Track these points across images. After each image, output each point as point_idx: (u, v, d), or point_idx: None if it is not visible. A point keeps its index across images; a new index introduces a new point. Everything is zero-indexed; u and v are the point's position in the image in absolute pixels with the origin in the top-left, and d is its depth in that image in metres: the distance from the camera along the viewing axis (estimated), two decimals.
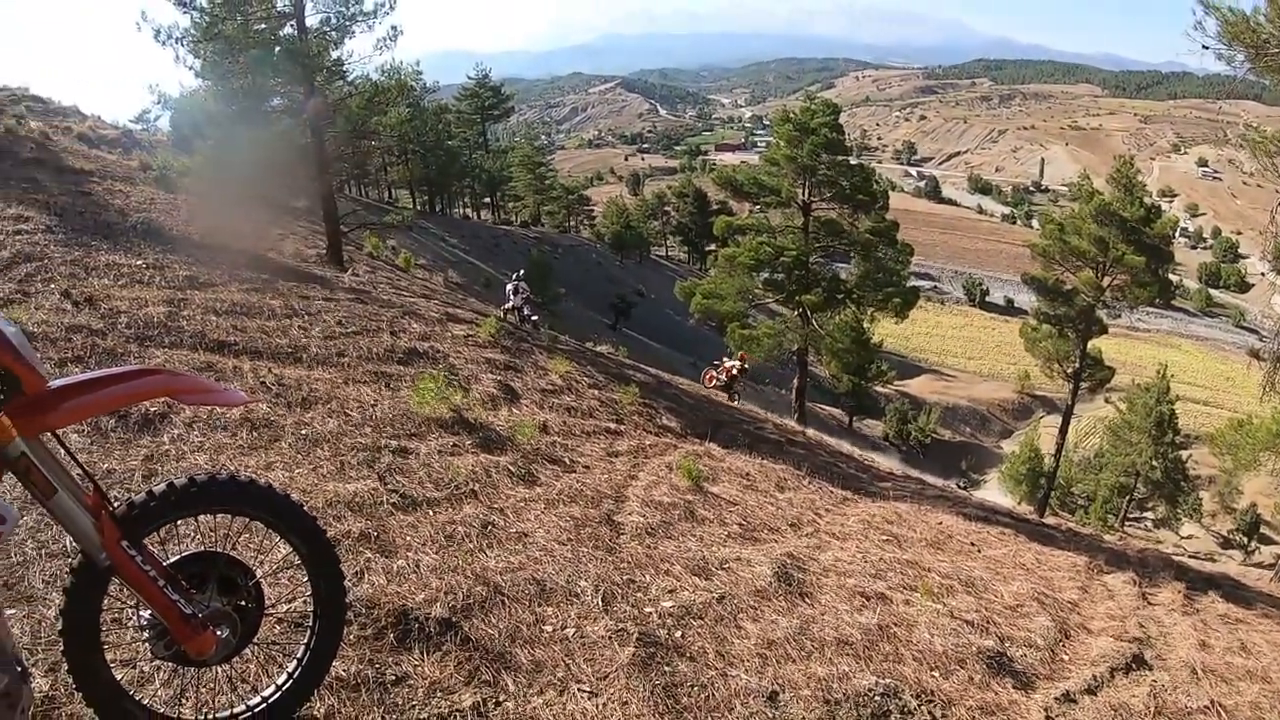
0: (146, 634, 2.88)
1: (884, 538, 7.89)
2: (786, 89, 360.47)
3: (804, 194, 34.37)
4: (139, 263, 9.83)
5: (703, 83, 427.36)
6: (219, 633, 2.89)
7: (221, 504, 2.93)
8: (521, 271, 26.78)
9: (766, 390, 38.78)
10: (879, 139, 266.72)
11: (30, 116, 25.67)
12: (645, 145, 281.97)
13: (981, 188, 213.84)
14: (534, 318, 22.08)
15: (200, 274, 10.00)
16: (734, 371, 27.71)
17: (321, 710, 3.34)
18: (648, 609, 4.71)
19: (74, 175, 17.40)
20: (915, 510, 9.65)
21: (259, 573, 3.12)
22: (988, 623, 5.96)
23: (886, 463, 19.09)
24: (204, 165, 21.83)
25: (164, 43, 21.32)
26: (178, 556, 2.93)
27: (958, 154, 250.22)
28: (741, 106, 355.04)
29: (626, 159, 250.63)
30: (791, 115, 35.13)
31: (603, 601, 4.62)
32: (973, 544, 8.77)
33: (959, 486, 14.07)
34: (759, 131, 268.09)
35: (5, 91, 30.05)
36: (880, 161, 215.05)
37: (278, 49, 21.06)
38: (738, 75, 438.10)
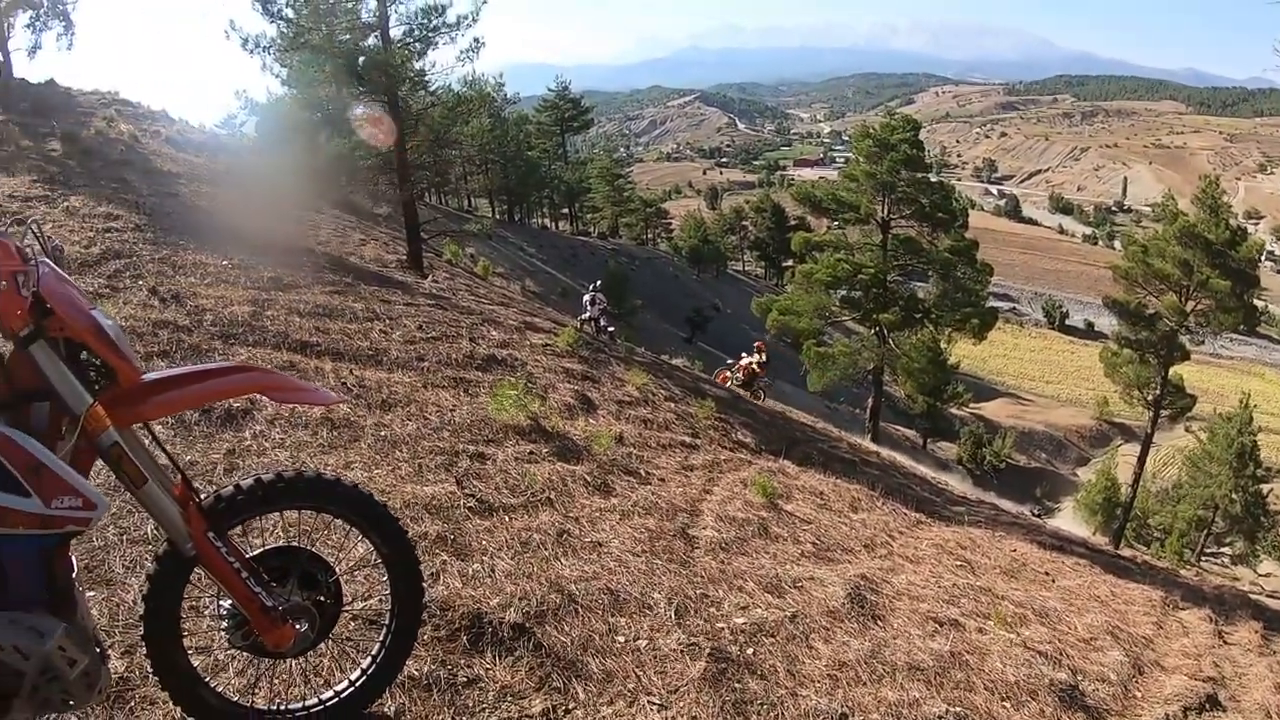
0: (225, 623, 2.93)
1: (957, 563, 7.77)
2: (865, 104, 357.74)
3: (883, 211, 34.20)
4: (224, 262, 10.04)
5: (781, 97, 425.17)
6: (298, 626, 2.92)
7: (306, 500, 2.96)
8: (598, 283, 26.94)
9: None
10: (958, 156, 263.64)
11: (120, 119, 26.36)
12: (723, 159, 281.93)
13: (1062, 207, 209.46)
14: (610, 329, 22.17)
15: (284, 275, 10.17)
16: (753, 368, 25.32)
17: (392, 708, 3.36)
18: (720, 624, 4.66)
19: (162, 176, 17.85)
20: (989, 536, 9.50)
21: (339, 570, 3.15)
22: (1061, 655, 5.83)
23: (960, 486, 18.86)
24: (289, 170, 22.21)
25: (252, 51, 21.85)
26: (260, 550, 2.97)
27: (1038, 172, 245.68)
28: (820, 121, 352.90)
29: (705, 173, 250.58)
30: (871, 131, 35.02)
31: (676, 615, 4.59)
32: (1047, 573, 8.61)
33: (1033, 514, 13.83)
34: (837, 147, 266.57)
35: (96, 95, 30.90)
36: (960, 179, 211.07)
37: (362, 59, 21.42)
38: (817, 90, 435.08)
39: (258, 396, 3.11)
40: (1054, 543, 10.57)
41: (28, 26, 26.76)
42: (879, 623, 5.42)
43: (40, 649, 2.38)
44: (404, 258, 20.47)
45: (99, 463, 2.59)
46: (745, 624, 4.74)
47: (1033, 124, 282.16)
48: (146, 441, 2.72)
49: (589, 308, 23.12)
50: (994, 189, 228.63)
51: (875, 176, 33.67)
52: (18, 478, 2.33)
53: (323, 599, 3.02)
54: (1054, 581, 8.35)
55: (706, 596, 4.97)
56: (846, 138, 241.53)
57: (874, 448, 19.37)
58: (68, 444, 2.47)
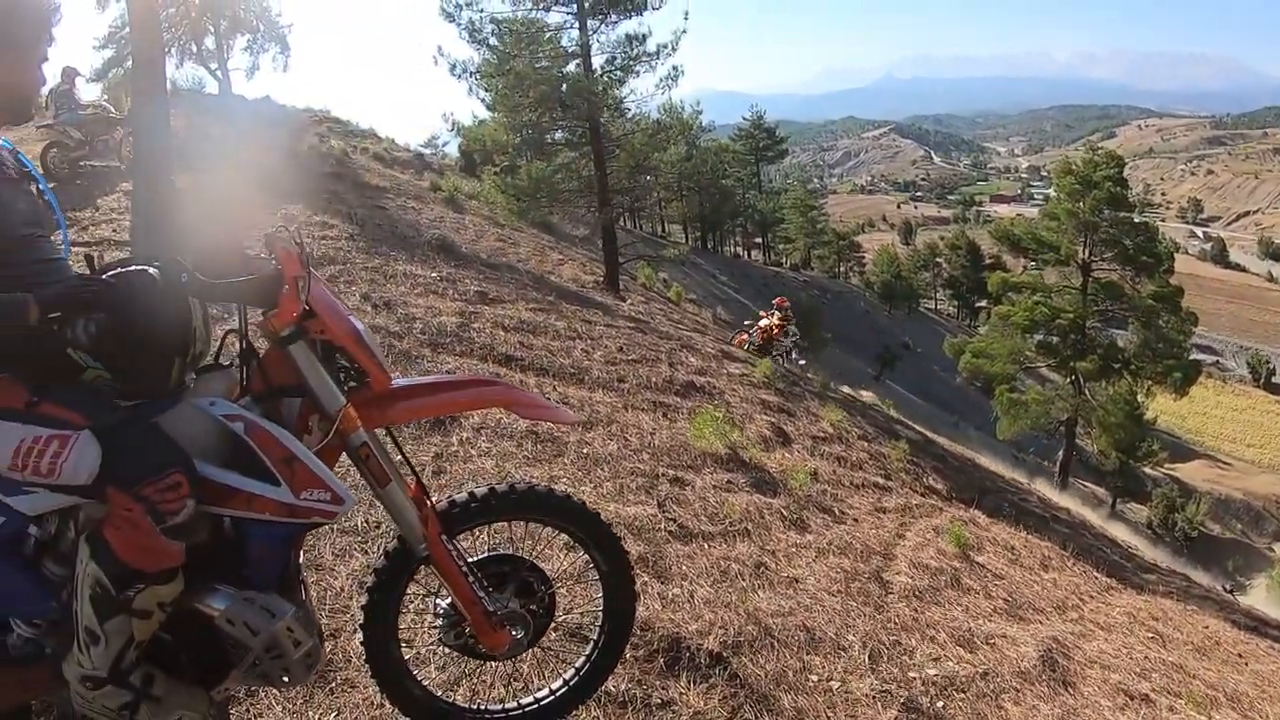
0: (439, 621, 3.03)
1: (1149, 634, 7.36)
2: (1065, 138, 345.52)
3: (1084, 252, 32.79)
4: (433, 274, 10.38)
5: (978, 129, 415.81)
6: (514, 633, 2.99)
7: (536, 513, 3.02)
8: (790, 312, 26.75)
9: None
10: (1162, 194, 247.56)
11: (331, 136, 27.80)
12: (918, 193, 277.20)
13: (1273, 252, 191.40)
14: (801, 361, 21.93)
15: (490, 290, 10.46)
16: (773, 331, 22.56)
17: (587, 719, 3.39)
18: (912, 674, 4.52)
19: (371, 191, 18.67)
20: (1181, 609, 8.98)
21: (555, 582, 3.20)
22: None
23: (1150, 552, 17.90)
24: (492, 190, 22.94)
25: (459, 76, 22.78)
26: (483, 555, 3.06)
27: (1247, 213, 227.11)
28: (1018, 156, 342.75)
29: (899, 206, 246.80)
30: (1073, 167, 33.72)
31: (869, 659, 4.48)
32: (1239, 655, 8.05)
33: (1224, 589, 13.06)
34: (1035, 183, 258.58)
35: (309, 112, 32.77)
36: (1164, 219, 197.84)
37: (564, 86, 21.98)
38: (1014, 122, 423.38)
39: (510, 412, 3.20)
40: (1248, 622, 9.88)
41: (246, 49, 28.51)
42: (1070, 689, 5.17)
43: (269, 628, 2.52)
44: (601, 279, 20.81)
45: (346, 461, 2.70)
46: (937, 676, 4.59)
47: (1241, 160, 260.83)
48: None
49: (781, 339, 23.01)
50: (1199, 231, 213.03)
51: (1077, 215, 32.38)
52: (270, 467, 2.46)
53: (536, 608, 3.08)
54: (1246, 665, 7.81)
55: (899, 644, 4.84)
56: (1046, 173, 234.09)
57: (1064, 503, 18.61)
58: (313, 439, 2.60)
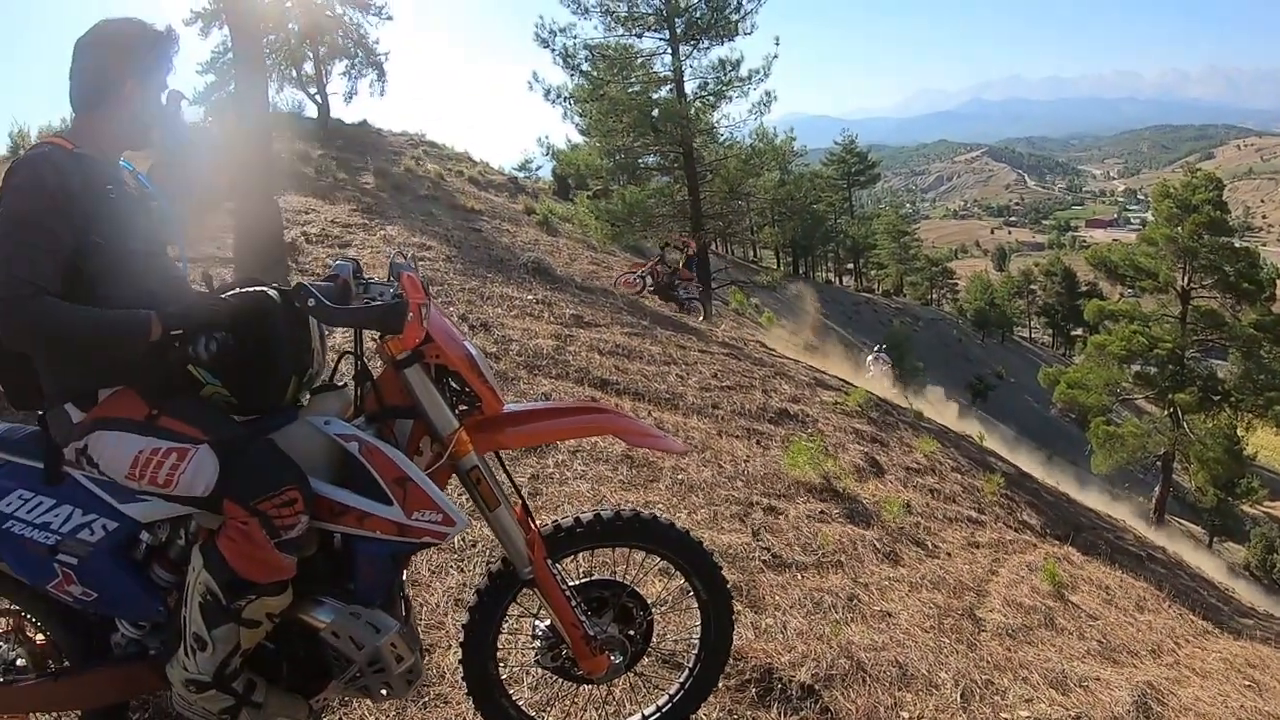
0: (537, 643, 3.06)
1: (1245, 682, 7.10)
2: (1161, 159, 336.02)
3: (1183, 279, 31.71)
4: (529, 297, 10.50)
5: (1072, 152, 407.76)
6: (612, 658, 3.00)
7: (641, 541, 3.04)
8: (884, 346, 26.51)
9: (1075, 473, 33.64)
10: (1264, 218, 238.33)
11: (427, 159, 28.33)
12: (1011, 218, 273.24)
13: None
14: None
15: (585, 314, 10.53)
16: (678, 271, 19.41)
17: None
18: (1004, 715, 4.42)
19: (465, 213, 18.95)
20: (1278, 656, 8.69)
21: (653, 609, 3.21)
22: None
23: (1246, 595, 17.26)
24: (586, 214, 23.13)
25: (554, 101, 23.18)
26: (585, 579, 3.08)
27: None
28: (1114, 179, 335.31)
29: (992, 232, 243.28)
30: (1171, 190, 32.55)
31: (961, 698, 4.39)
32: None
33: None
34: (1132, 206, 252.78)
35: (405, 136, 33.44)
36: (1265, 244, 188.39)
37: (656, 111, 22.10)
38: (1109, 144, 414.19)
39: (619, 440, 3.22)
40: None
41: (344, 74, 29.10)
42: None
43: (374, 643, 2.59)
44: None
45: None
46: (1029, 718, 4.48)
47: None
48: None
49: (871, 367, 22.83)
50: None
51: (1175, 240, 31.31)
52: (383, 487, 2.53)
53: (633, 634, 3.09)
54: None
55: (992, 683, 4.73)
56: (1142, 196, 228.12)
57: (1160, 542, 18.07)
58: (423, 461, 2.66)
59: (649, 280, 18.51)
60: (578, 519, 2.97)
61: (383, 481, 2.53)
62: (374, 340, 2.69)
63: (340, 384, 2.83)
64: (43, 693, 2.79)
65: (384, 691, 2.70)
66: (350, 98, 31.69)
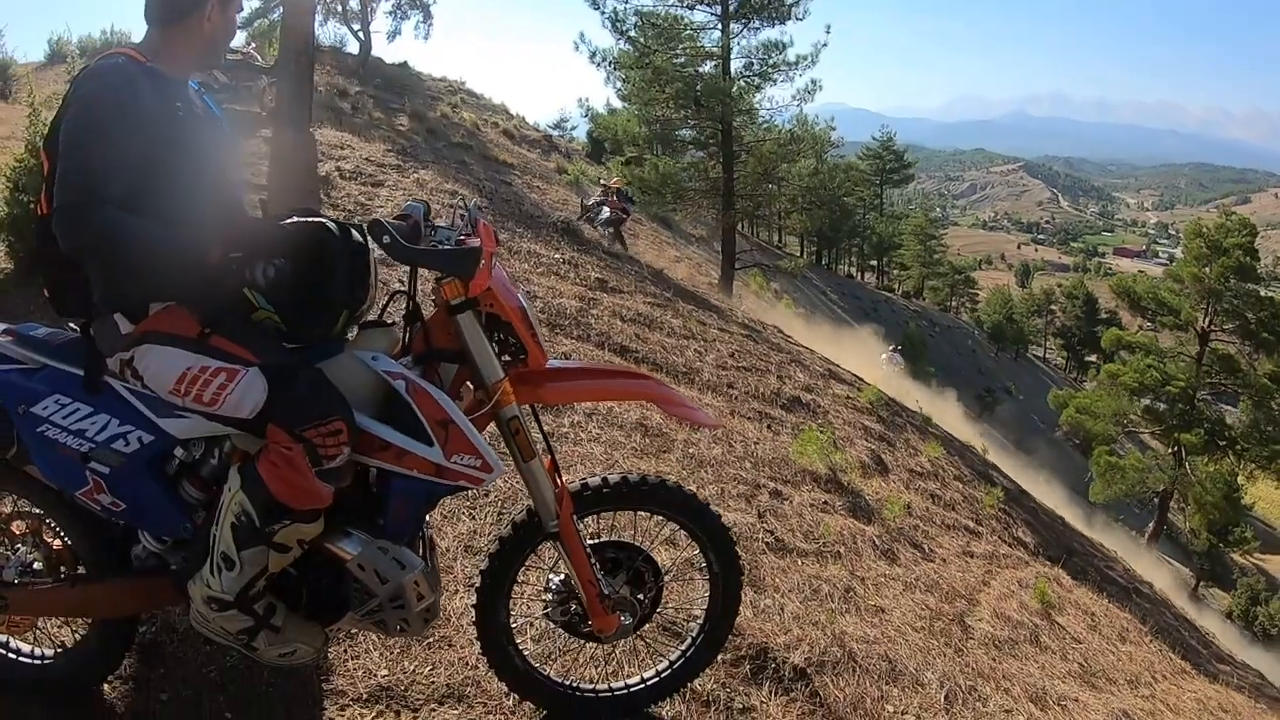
0: (549, 596, 3.13)
1: None
2: (1198, 197, 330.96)
3: (1204, 320, 31.59)
4: (557, 256, 10.51)
5: (1109, 178, 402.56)
6: (623, 619, 3.08)
7: (664, 508, 3.10)
8: (898, 347, 26.47)
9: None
10: None
11: (464, 107, 28.24)
12: (1040, 236, 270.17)
13: None
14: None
15: (610, 279, 10.55)
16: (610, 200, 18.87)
17: (670, 712, 3.48)
18: None
19: (497, 165, 18.88)
20: (1251, 706, 8.76)
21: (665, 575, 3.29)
22: None
23: (1225, 642, 17.33)
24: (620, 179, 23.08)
25: (598, 64, 23.07)
26: (603, 540, 3.14)
27: None
28: (1148, 210, 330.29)
29: (1019, 247, 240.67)
30: (1204, 230, 32.33)
31: (945, 699, 4.47)
32: None
33: None
34: (1162, 240, 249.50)
35: (444, 82, 33.40)
36: None
37: (700, 85, 22.03)
38: (1146, 175, 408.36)
39: (656, 407, 3.29)
40: None
41: (389, 13, 28.81)
42: None
43: (399, 579, 2.64)
44: (713, 281, 20.86)
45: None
46: None
47: None
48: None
49: (884, 366, 22.85)
50: None
51: (1202, 281, 31.22)
52: (426, 427, 2.58)
53: (643, 598, 3.15)
54: None
55: (975, 690, 4.80)
56: (1174, 231, 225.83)
57: (1148, 578, 18.13)
58: (463, 406, 2.71)
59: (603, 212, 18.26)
60: (605, 479, 3.03)
61: (426, 422, 2.57)
62: (429, 281, 2.74)
63: (389, 322, 2.86)
64: (59, 597, 2.84)
65: (400, 627, 2.74)
66: (393, 37, 31.60)
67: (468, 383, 2.76)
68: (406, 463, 2.59)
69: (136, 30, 2.76)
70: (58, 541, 2.92)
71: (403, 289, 2.78)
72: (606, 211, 18.32)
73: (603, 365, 2.91)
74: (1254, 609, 46.95)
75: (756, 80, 23.04)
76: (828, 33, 22.42)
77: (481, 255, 2.58)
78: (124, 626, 2.97)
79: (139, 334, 2.56)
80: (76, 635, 3.10)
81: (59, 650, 3.09)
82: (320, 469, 2.49)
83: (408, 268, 2.74)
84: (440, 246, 2.63)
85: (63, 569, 2.90)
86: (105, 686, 3.05)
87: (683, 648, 3.40)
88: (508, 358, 2.77)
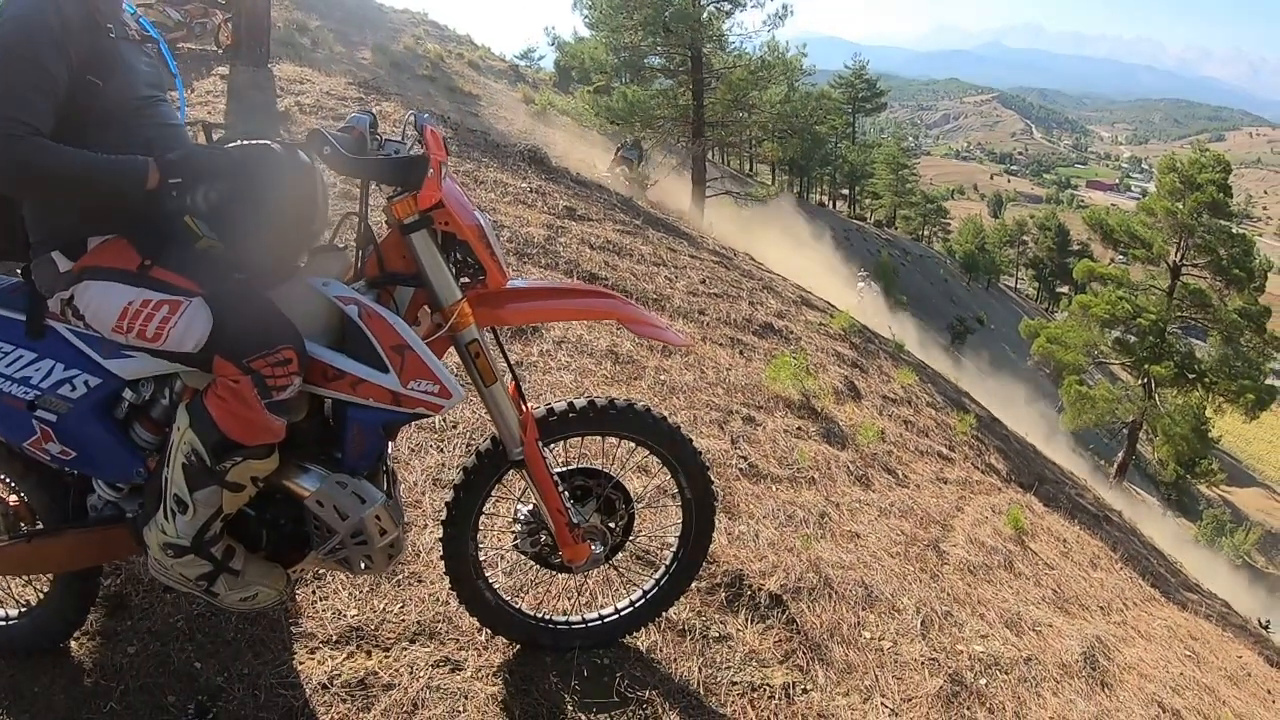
0: (518, 527, 3.07)
1: (1186, 651, 7.32)
2: (1172, 133, 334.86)
3: (1176, 254, 31.91)
4: (524, 185, 10.35)
5: (1084, 110, 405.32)
6: (593, 548, 3.02)
7: (632, 432, 3.02)
8: (867, 274, 26.60)
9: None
10: (1264, 209, 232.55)
11: (428, 39, 27.94)
12: (1013, 167, 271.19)
13: None
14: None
15: (578, 207, 10.42)
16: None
17: (645, 644, 3.46)
18: (960, 647, 4.53)
19: (463, 96, 18.75)
20: (1218, 634, 8.93)
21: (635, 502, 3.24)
22: None
23: (1191, 572, 17.71)
24: (586, 109, 22.93)
25: None
26: (571, 467, 3.07)
27: None
28: (1121, 144, 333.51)
29: (992, 178, 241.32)
30: (1178, 164, 32.56)
31: (921, 625, 4.49)
32: (1269, 691, 7.98)
33: (1260, 623, 12.82)
34: (1135, 175, 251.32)
35: (406, 14, 33.03)
36: (1261, 235, 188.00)
37: (669, 11, 21.79)
38: (1122, 109, 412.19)
39: (623, 326, 3.20)
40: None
41: None
42: (1106, 690, 5.16)
43: (359, 514, 2.57)
44: (684, 209, 20.73)
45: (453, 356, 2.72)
46: (983, 653, 4.59)
47: None
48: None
49: (859, 296, 22.94)
50: None
51: (1174, 215, 31.45)
52: (381, 353, 2.48)
53: (614, 526, 3.11)
54: (1274, 702, 7.76)
55: (950, 615, 4.83)
56: (1147, 165, 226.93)
57: (1118, 506, 18.43)
58: (421, 331, 2.60)
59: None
60: (571, 404, 2.95)
61: (380, 348, 2.48)
62: (381, 199, 2.62)
63: (340, 246, 2.76)
64: (15, 555, 2.78)
65: (363, 564, 2.68)
66: None
67: (425, 307, 2.65)
68: (362, 391, 2.49)
69: None
70: (14, 498, 2.86)
71: (354, 211, 2.65)
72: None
73: (567, 284, 2.83)
74: (1219, 539, 47.82)
75: (726, 5, 22.85)
76: None
77: (429, 164, 2.44)
78: (87, 580, 2.92)
79: (78, 270, 2.46)
80: (40, 593, 3.05)
81: (23, 610, 3.04)
82: (270, 401, 2.40)
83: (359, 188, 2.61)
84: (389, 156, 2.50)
85: (22, 525, 2.84)
86: (71, 643, 3.02)
87: (657, 576, 3.37)
88: (466, 279, 2.66)
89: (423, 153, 2.47)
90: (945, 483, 7.96)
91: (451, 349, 2.69)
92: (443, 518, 3.01)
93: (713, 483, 3.23)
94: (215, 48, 14.87)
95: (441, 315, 2.59)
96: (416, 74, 19.60)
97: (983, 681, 4.30)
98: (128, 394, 2.59)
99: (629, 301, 2.99)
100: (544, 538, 3.02)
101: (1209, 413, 33.94)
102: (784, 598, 4.06)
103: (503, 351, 2.88)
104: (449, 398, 2.54)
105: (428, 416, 2.68)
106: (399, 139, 2.67)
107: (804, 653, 3.78)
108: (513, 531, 3.13)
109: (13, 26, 2.29)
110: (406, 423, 2.68)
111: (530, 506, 3.02)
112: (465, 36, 34.63)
